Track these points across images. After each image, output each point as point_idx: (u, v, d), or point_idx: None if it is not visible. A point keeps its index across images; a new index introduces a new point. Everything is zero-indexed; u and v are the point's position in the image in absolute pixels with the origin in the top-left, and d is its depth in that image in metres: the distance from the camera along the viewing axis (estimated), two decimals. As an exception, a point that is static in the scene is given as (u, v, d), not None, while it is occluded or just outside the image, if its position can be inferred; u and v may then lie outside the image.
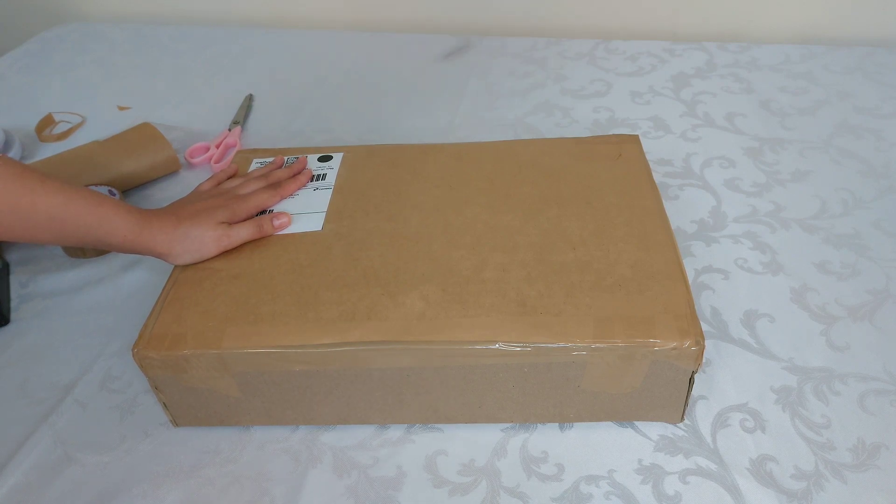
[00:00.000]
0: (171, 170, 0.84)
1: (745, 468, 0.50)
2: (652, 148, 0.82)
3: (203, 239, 0.55)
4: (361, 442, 0.53)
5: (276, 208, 0.61)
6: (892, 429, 0.51)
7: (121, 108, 0.99)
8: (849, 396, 0.54)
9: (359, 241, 0.57)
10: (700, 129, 0.86)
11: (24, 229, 0.51)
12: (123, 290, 0.68)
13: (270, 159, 0.68)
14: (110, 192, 0.74)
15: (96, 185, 0.75)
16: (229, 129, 0.90)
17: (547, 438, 0.53)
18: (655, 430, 0.53)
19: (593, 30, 1.14)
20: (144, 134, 0.82)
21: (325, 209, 0.61)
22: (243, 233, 0.57)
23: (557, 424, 0.53)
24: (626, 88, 0.96)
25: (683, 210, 0.73)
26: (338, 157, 0.68)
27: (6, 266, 0.69)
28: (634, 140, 0.67)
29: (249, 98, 0.99)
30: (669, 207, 0.70)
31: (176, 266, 0.56)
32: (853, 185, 0.75)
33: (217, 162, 0.85)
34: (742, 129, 0.85)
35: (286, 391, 0.51)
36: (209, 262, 0.56)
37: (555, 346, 0.47)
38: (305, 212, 0.60)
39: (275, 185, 0.63)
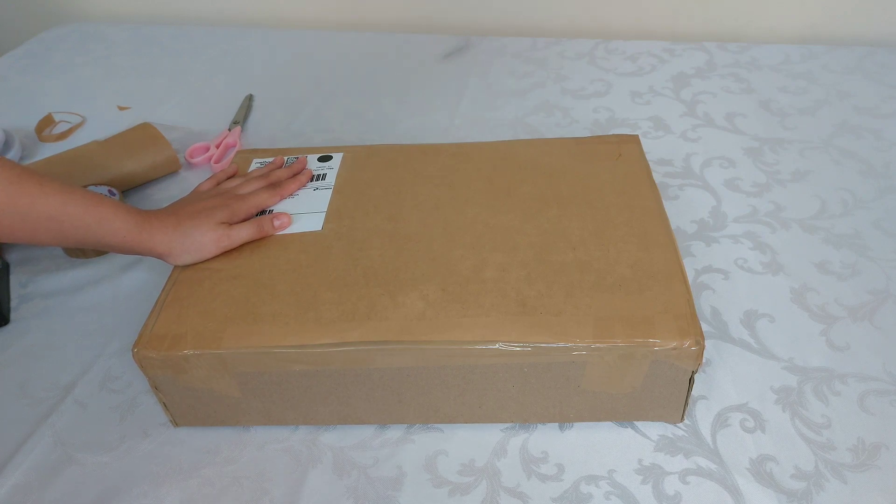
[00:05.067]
0: (171, 170, 0.84)
1: (745, 468, 0.50)
2: (652, 148, 0.82)
3: (203, 239, 0.55)
4: (361, 442, 0.53)
5: (276, 208, 0.61)
6: (892, 429, 0.51)
7: (121, 108, 0.99)
8: (849, 396, 0.54)
9: (359, 241, 0.57)
10: (700, 129, 0.86)
11: (24, 230, 0.51)
12: (123, 290, 0.68)
13: (270, 159, 0.68)
14: (110, 192, 0.74)
15: (96, 185, 0.75)
16: (229, 129, 0.90)
17: (547, 438, 0.53)
18: (655, 430, 0.53)
19: (593, 30, 1.14)
20: (144, 134, 0.82)
21: (325, 209, 0.61)
22: (243, 233, 0.57)
23: (557, 424, 0.53)
24: (626, 88, 0.96)
25: (683, 210, 0.73)
26: (338, 157, 0.68)
27: (6, 266, 0.69)
28: (634, 140, 0.67)
29: (249, 98, 0.99)
30: (669, 207, 0.70)
31: (176, 266, 0.56)
32: (853, 185, 0.75)
33: (217, 162, 0.85)
34: (742, 129, 0.85)
35: (286, 391, 0.51)
36: (209, 262, 0.56)
37: (555, 345, 0.47)
38: (305, 212, 0.60)
39: (275, 185, 0.63)
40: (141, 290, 0.68)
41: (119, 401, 0.57)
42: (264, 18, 1.24)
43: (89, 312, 0.66)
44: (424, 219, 0.58)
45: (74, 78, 1.08)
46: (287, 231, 0.58)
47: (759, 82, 0.95)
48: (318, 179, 0.65)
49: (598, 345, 0.47)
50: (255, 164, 0.68)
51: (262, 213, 0.60)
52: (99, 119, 0.97)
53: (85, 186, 0.74)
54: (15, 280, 0.70)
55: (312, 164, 0.67)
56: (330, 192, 0.63)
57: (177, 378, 0.50)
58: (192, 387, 0.51)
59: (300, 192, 0.63)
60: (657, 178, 0.76)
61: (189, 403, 0.53)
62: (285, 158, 0.68)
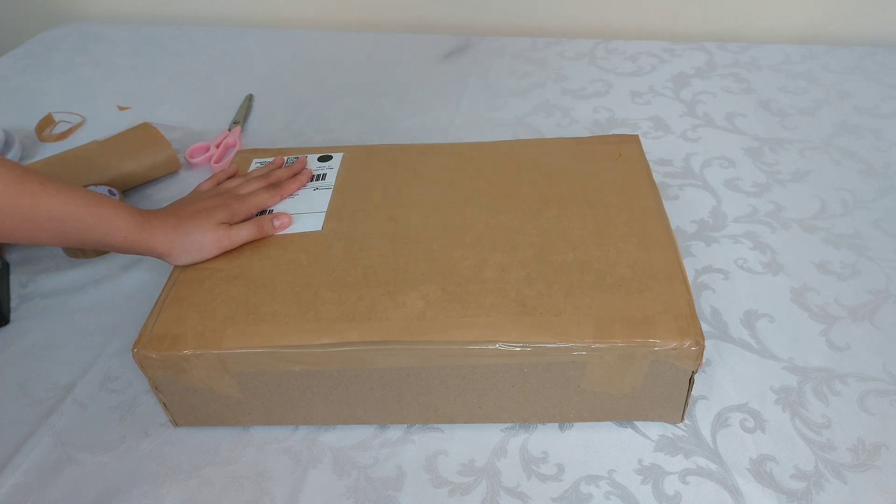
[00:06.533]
0: (171, 170, 0.84)
1: (745, 468, 0.50)
2: (652, 148, 0.82)
3: (203, 239, 0.55)
4: (361, 442, 0.53)
5: (276, 208, 0.61)
6: (892, 429, 0.51)
7: (121, 108, 0.99)
8: (849, 396, 0.54)
9: (359, 241, 0.57)
10: (700, 129, 0.86)
11: (25, 231, 0.51)
12: (123, 290, 0.68)
13: (270, 159, 0.68)
14: (110, 192, 0.74)
15: (96, 185, 0.75)
16: (229, 129, 0.90)
17: (547, 438, 0.53)
18: (655, 430, 0.53)
19: (593, 30, 1.14)
20: (144, 134, 0.82)
21: (325, 209, 0.61)
22: (243, 233, 0.57)
23: (557, 424, 0.53)
24: (626, 88, 0.96)
25: (683, 210, 0.73)
26: (338, 157, 0.68)
27: (6, 266, 0.69)
28: (634, 140, 0.67)
29: (249, 98, 0.99)
30: (669, 207, 0.70)
31: (176, 266, 0.56)
32: (853, 185, 0.75)
33: (217, 162, 0.85)
34: (742, 129, 0.85)
35: (286, 391, 0.51)
36: (209, 262, 0.56)
37: (555, 346, 0.47)
38: (305, 212, 0.60)
39: (275, 185, 0.63)
40: (141, 290, 0.68)
41: (119, 401, 0.57)
42: (264, 18, 1.24)
43: (89, 312, 0.66)
44: (424, 219, 0.58)
45: (74, 78, 1.08)
46: (287, 231, 0.58)
47: (759, 82, 0.95)
48: (318, 179, 0.65)
49: (598, 345, 0.47)
50: (255, 164, 0.68)
51: (263, 213, 0.60)
52: (99, 119, 0.97)
53: (85, 186, 0.74)
54: (15, 280, 0.70)
55: (312, 164, 0.67)
56: (330, 192, 0.63)
57: (177, 378, 0.50)
58: (192, 387, 0.51)
59: (300, 192, 0.63)
60: (657, 178, 0.76)
61: (189, 403, 0.53)
62: (285, 158, 0.68)
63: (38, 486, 0.51)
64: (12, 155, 0.86)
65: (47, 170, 0.75)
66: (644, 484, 0.49)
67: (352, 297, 0.51)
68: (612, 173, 0.62)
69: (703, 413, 0.53)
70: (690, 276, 0.65)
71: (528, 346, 0.47)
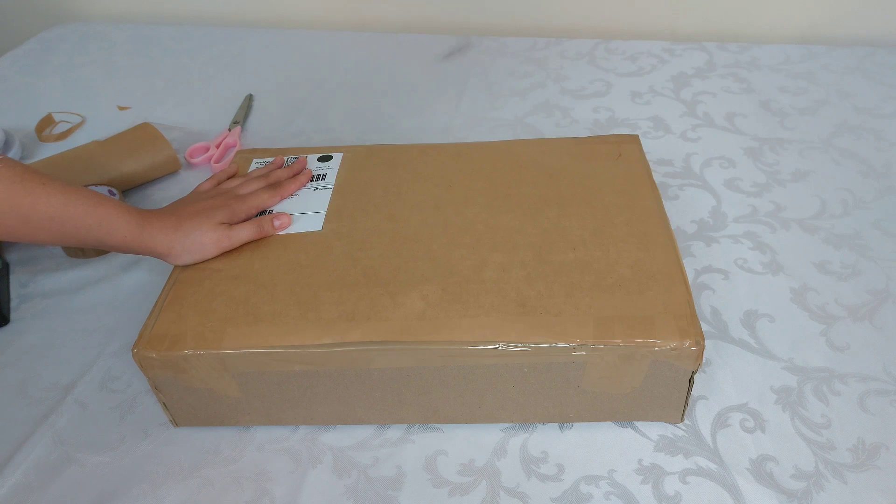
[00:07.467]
0: (171, 170, 0.84)
1: (745, 468, 0.50)
2: (652, 148, 0.82)
3: (203, 239, 0.55)
4: (361, 442, 0.53)
5: (277, 208, 0.61)
6: (892, 429, 0.51)
7: (121, 108, 0.99)
8: (849, 396, 0.54)
9: (359, 241, 0.57)
10: (700, 129, 0.86)
11: (25, 230, 0.51)
12: (123, 290, 0.68)
13: (270, 159, 0.68)
14: (110, 192, 0.74)
15: (96, 185, 0.75)
16: (229, 129, 0.90)
17: (547, 438, 0.53)
18: (655, 430, 0.53)
19: (593, 30, 1.14)
20: (144, 134, 0.82)
21: (325, 209, 0.61)
22: (243, 234, 0.57)
23: (557, 424, 0.53)
24: (626, 88, 0.96)
25: (683, 210, 0.73)
26: (338, 157, 0.68)
27: (6, 266, 0.69)
28: (634, 140, 0.67)
29: (249, 98, 0.99)
30: (669, 207, 0.70)
31: (176, 266, 0.56)
32: (853, 185, 0.75)
33: (217, 162, 0.85)
34: (742, 129, 0.85)
35: (286, 391, 0.51)
36: (209, 262, 0.56)
37: (555, 346, 0.47)
38: (305, 212, 0.60)
39: (275, 185, 0.63)
40: (141, 290, 0.68)
41: (119, 401, 0.57)
42: (264, 18, 1.24)
43: (89, 312, 0.66)
44: (424, 219, 0.58)
45: (74, 78, 1.08)
46: (287, 231, 0.58)
47: (759, 82, 0.95)
48: (318, 179, 0.65)
49: (598, 345, 0.47)
50: (255, 164, 0.68)
51: (263, 213, 0.60)
52: (99, 119, 0.97)
53: (85, 186, 0.74)
54: (15, 280, 0.70)
55: (312, 164, 0.67)
56: (330, 192, 0.63)
57: (177, 378, 0.50)
58: (192, 387, 0.51)
59: (300, 192, 0.63)
60: (657, 178, 0.76)
61: (189, 403, 0.53)
62: (285, 158, 0.68)
63: (38, 486, 0.51)
64: (12, 155, 0.86)
65: (47, 170, 0.76)
66: (644, 484, 0.49)
67: (352, 297, 0.51)
68: (612, 173, 0.62)
69: (703, 413, 0.53)
70: (690, 276, 0.65)
71: (528, 346, 0.47)
